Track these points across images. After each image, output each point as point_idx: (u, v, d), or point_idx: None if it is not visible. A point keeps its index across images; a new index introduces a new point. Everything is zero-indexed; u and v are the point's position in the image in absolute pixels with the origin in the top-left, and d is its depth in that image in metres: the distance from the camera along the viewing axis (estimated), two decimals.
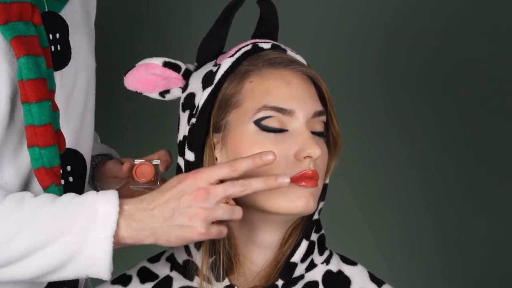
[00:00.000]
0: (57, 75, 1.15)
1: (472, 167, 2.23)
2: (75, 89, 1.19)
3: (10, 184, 1.10)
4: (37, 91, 1.05)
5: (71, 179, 1.18)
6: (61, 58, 1.15)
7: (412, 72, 2.20)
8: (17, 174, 1.10)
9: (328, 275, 1.16)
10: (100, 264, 1.01)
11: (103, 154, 1.40)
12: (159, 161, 1.25)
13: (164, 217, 1.02)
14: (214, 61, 1.15)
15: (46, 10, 1.13)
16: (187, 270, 1.15)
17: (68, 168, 1.18)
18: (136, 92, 1.18)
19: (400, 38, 2.18)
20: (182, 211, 1.01)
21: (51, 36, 1.12)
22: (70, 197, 1.04)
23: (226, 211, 1.03)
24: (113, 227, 1.00)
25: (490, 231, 2.23)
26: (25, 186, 1.12)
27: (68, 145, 1.16)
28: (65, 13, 1.17)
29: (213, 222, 1.03)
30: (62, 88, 1.16)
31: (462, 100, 2.21)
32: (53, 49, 1.12)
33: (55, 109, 1.08)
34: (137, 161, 1.24)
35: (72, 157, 1.17)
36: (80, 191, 1.20)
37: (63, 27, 1.15)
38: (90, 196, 1.03)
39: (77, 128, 1.20)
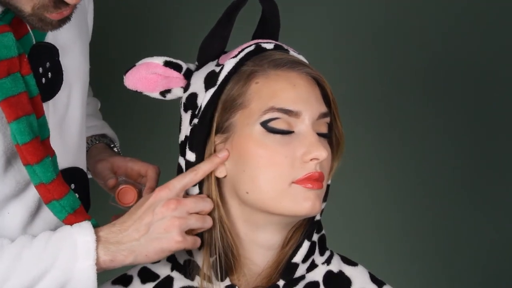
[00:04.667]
0: (50, 104, 1.14)
1: (473, 168, 2.23)
2: (69, 109, 1.19)
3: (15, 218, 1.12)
4: (35, 153, 1.06)
5: (77, 195, 1.17)
6: (53, 86, 1.14)
7: (414, 73, 2.20)
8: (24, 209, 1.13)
9: (329, 275, 1.16)
10: None
11: (98, 134, 1.39)
12: (143, 186, 1.25)
13: (140, 233, 1.08)
14: (216, 60, 1.15)
15: (34, 42, 1.11)
16: (188, 270, 1.15)
17: (72, 186, 1.18)
18: (137, 91, 1.16)
19: (401, 38, 2.18)
20: (157, 223, 1.07)
21: (41, 70, 1.11)
22: (47, 234, 1.09)
23: (197, 219, 1.09)
24: (93, 254, 1.06)
25: (490, 231, 2.24)
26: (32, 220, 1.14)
27: (69, 165, 1.18)
28: (53, 32, 1.13)
29: (187, 233, 1.09)
30: (55, 114, 1.16)
31: (463, 101, 2.21)
32: (44, 81, 1.12)
33: (52, 155, 1.10)
34: (122, 181, 1.24)
35: (74, 174, 1.18)
36: (86, 205, 1.21)
37: (52, 53, 1.14)
38: (67, 230, 1.08)
39: (76, 145, 1.21)
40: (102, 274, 1.11)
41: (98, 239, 1.07)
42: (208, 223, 1.10)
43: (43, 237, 1.08)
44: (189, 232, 1.10)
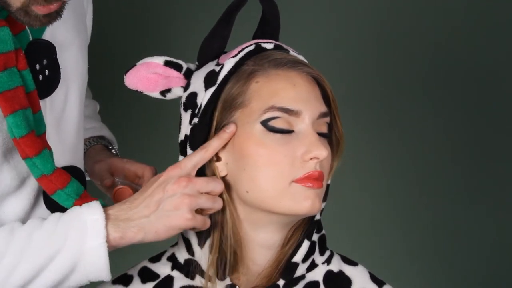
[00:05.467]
0: (47, 101, 1.15)
1: (473, 168, 2.24)
2: (66, 107, 1.19)
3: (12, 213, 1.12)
4: (33, 145, 1.06)
5: None
6: (50, 84, 1.14)
7: (413, 73, 2.20)
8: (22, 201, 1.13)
9: (329, 275, 1.16)
10: (100, 270, 1.07)
11: (96, 136, 1.39)
12: (140, 187, 1.25)
13: (151, 210, 1.07)
14: (216, 60, 1.15)
15: (31, 39, 1.11)
16: (189, 269, 1.15)
17: None
18: (137, 91, 1.17)
19: (401, 39, 2.18)
20: (167, 200, 1.07)
21: (38, 67, 1.11)
22: (56, 216, 1.08)
23: (208, 198, 1.08)
24: (104, 232, 1.06)
25: (490, 231, 2.24)
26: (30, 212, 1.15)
27: (66, 163, 1.18)
28: (51, 29, 1.15)
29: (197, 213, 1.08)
30: (52, 112, 1.16)
31: (463, 101, 2.22)
32: (41, 78, 1.12)
33: (49, 150, 1.10)
34: (118, 181, 1.25)
35: (72, 173, 1.17)
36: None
37: (49, 50, 1.13)
38: (76, 210, 1.08)
39: (74, 144, 1.21)
40: None
41: (107, 217, 1.07)
42: (218, 203, 1.09)
43: (52, 219, 1.08)
44: (199, 213, 1.09)
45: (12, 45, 1.05)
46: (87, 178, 1.34)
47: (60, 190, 1.09)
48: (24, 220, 1.13)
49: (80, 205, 1.10)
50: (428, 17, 2.20)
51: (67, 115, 1.19)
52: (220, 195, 1.11)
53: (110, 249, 1.06)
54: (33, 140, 1.06)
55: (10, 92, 1.05)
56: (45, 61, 1.12)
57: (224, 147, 1.10)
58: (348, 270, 1.18)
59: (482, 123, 2.22)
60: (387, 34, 2.18)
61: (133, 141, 1.93)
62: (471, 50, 2.20)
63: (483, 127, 2.23)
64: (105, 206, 1.09)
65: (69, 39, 1.20)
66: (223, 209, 1.11)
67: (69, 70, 1.18)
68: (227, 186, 1.11)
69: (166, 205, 1.07)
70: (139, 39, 2.09)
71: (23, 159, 1.08)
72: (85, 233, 1.05)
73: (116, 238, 1.07)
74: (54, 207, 1.13)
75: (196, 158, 1.09)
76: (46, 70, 1.12)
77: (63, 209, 1.11)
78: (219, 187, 1.09)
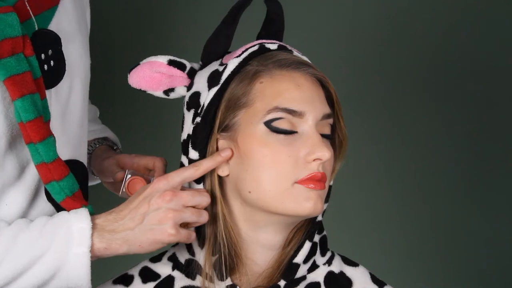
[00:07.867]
0: (52, 92, 1.14)
1: (474, 168, 2.23)
2: (70, 100, 1.19)
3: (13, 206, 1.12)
4: (39, 131, 1.06)
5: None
6: (55, 75, 1.14)
7: (414, 74, 2.20)
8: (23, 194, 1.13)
9: (330, 276, 1.16)
10: (80, 278, 1.07)
11: (100, 138, 1.39)
12: (152, 177, 1.25)
13: (135, 223, 1.07)
14: (220, 60, 1.15)
15: (36, 29, 1.11)
16: (190, 269, 1.15)
17: None
18: (140, 90, 1.17)
19: (402, 39, 2.18)
20: (152, 214, 1.07)
21: (43, 56, 1.11)
22: (44, 219, 1.08)
23: (193, 213, 1.08)
24: (89, 242, 1.06)
25: (490, 232, 2.24)
26: (30, 206, 1.14)
27: (69, 157, 1.18)
28: (56, 22, 1.15)
29: (183, 226, 1.09)
30: (58, 103, 1.16)
31: (465, 101, 2.21)
32: (46, 68, 1.12)
33: (54, 138, 1.10)
34: (129, 173, 1.24)
35: (74, 168, 1.17)
36: (85, 199, 1.20)
37: (55, 41, 1.14)
38: (63, 216, 1.09)
39: (77, 137, 1.21)
40: (104, 272, 1.11)
41: (94, 227, 1.07)
42: (203, 217, 1.09)
43: (39, 222, 1.08)
44: (185, 225, 1.10)
45: (19, 31, 1.05)
46: (96, 182, 1.35)
47: (55, 181, 1.09)
48: (26, 213, 1.13)
49: (71, 204, 1.10)
50: (430, 17, 2.19)
51: (71, 107, 1.19)
52: (215, 197, 1.11)
53: (93, 259, 1.07)
54: (39, 126, 1.06)
55: (19, 76, 1.05)
56: (50, 52, 1.12)
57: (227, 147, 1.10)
58: (349, 271, 1.18)
59: (483, 124, 2.22)
60: (389, 35, 2.18)
61: (135, 142, 1.93)
62: (472, 50, 2.20)
63: (484, 127, 2.23)
64: (92, 214, 1.09)
65: (73, 32, 1.20)
66: (221, 209, 1.11)
67: (73, 63, 1.18)
68: (229, 185, 1.12)
69: (150, 218, 1.07)
70: (141, 38, 2.08)
71: (26, 144, 1.07)
72: (71, 240, 1.06)
73: (101, 249, 1.07)
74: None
75: (185, 174, 1.09)
76: (52, 61, 1.12)
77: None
78: (205, 200, 1.10)
